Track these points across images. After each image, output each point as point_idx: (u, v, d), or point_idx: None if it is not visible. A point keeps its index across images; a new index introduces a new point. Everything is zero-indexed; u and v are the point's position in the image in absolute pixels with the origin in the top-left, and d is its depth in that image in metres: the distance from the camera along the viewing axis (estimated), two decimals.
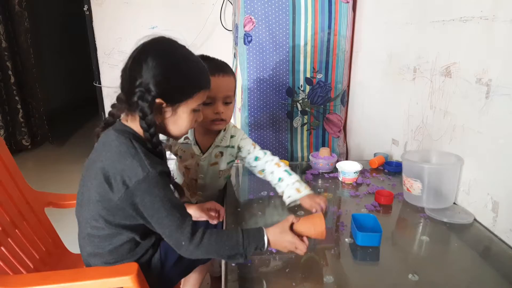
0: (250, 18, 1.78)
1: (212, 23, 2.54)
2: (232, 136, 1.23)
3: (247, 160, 1.24)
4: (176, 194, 1.13)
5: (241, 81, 1.88)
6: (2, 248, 0.98)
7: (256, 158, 1.22)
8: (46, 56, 4.39)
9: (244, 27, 1.80)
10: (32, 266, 1.05)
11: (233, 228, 1.01)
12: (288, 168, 1.19)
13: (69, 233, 1.24)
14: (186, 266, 1.06)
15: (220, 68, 1.11)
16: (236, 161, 1.30)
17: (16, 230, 1.06)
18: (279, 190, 1.16)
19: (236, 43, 1.99)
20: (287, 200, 1.11)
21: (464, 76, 1.08)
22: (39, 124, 3.53)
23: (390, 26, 1.57)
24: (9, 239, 1.02)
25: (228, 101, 1.13)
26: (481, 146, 1.02)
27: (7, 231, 1.02)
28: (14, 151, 3.35)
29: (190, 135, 1.20)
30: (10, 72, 3.22)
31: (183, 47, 0.87)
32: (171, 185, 0.91)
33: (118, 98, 0.87)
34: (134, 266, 0.85)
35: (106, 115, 0.91)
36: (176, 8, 2.54)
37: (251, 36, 1.80)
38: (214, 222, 1.12)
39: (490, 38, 0.97)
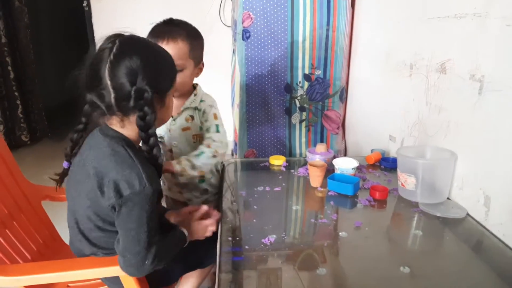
0: (249, 14, 1.79)
1: (212, 18, 2.55)
2: (202, 101, 1.26)
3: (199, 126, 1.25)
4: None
5: (240, 77, 1.88)
6: (0, 239, 1.00)
7: (207, 133, 1.22)
8: (46, 52, 4.39)
9: (242, 23, 1.81)
10: (29, 257, 1.07)
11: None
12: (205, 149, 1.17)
13: (66, 226, 1.25)
14: (189, 265, 1.07)
15: (162, 34, 1.09)
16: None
17: (14, 222, 1.07)
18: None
19: (234, 39, 2.00)
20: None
21: (458, 72, 1.08)
22: (38, 119, 3.54)
23: (388, 23, 1.58)
24: (6, 231, 1.03)
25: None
26: (474, 142, 1.03)
27: (5, 222, 1.04)
28: (14, 146, 3.36)
29: None
30: (9, 68, 3.23)
31: (146, 39, 0.89)
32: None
33: (92, 105, 0.84)
34: None
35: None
36: (175, 4, 2.55)
37: (249, 32, 1.81)
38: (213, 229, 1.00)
39: (483, 34, 0.98)
